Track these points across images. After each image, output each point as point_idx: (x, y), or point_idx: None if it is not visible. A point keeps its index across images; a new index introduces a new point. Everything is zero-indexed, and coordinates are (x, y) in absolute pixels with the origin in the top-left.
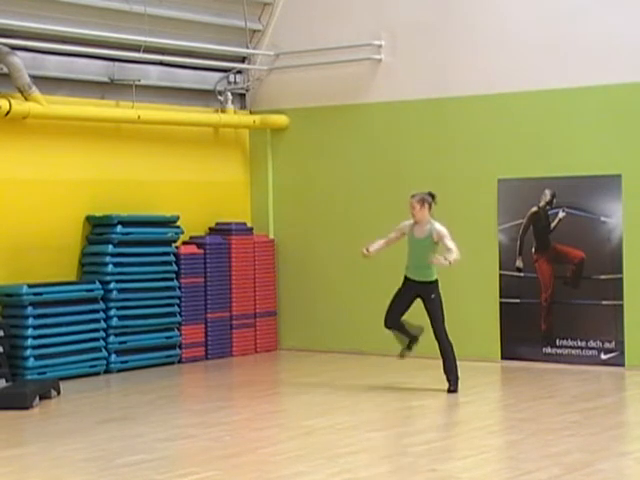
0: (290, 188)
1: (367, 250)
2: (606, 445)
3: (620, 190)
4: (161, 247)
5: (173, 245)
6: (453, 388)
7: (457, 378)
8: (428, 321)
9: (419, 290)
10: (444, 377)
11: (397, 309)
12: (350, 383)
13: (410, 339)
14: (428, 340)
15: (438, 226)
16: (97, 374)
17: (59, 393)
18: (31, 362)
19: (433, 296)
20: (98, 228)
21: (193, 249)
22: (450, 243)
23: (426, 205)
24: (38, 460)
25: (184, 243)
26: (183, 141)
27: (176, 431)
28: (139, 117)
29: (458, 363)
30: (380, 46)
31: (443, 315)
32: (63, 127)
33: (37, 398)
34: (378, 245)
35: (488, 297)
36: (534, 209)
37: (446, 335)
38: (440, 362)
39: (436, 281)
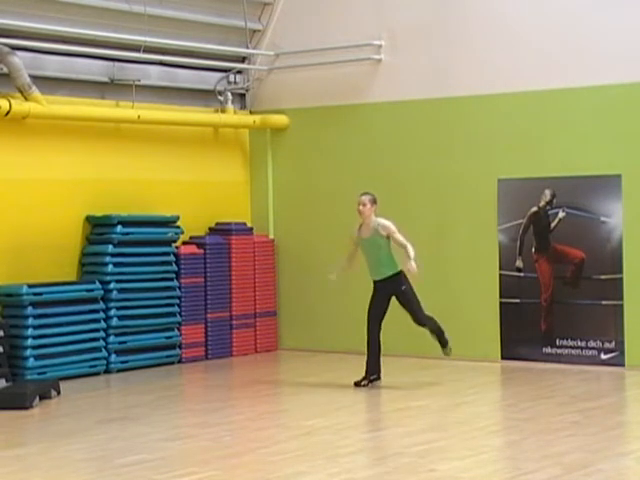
0: (290, 188)
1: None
2: (606, 445)
3: (620, 190)
4: (161, 247)
5: (173, 245)
6: (448, 342)
7: (447, 340)
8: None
9: (388, 287)
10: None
11: (376, 314)
12: (350, 383)
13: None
14: (426, 340)
15: (383, 221)
16: (97, 374)
17: (59, 393)
18: (31, 362)
19: (404, 287)
20: (98, 228)
21: (193, 249)
22: (400, 237)
23: (374, 205)
24: (38, 460)
25: (184, 243)
26: (183, 141)
27: (176, 431)
28: (139, 117)
29: (456, 363)
30: (380, 46)
31: (419, 303)
32: (63, 127)
33: (37, 398)
34: (341, 264)
35: (488, 297)
36: (534, 209)
37: (426, 316)
38: (444, 362)
39: (400, 272)
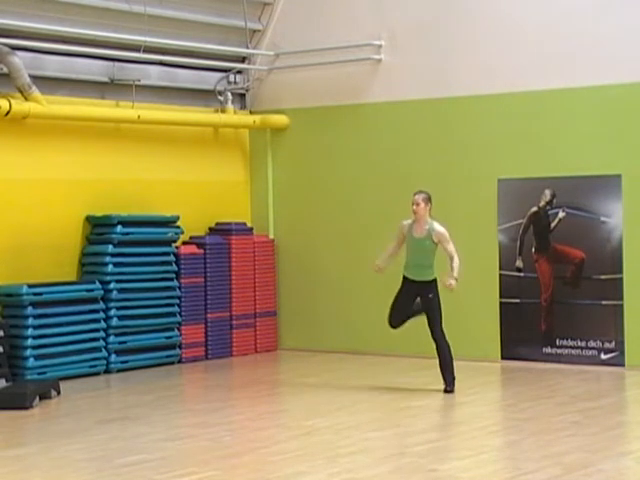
0: (290, 188)
1: (378, 267)
2: (606, 445)
3: (620, 190)
4: (161, 247)
5: (173, 245)
6: (450, 388)
7: (454, 378)
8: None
9: (417, 289)
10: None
11: (399, 310)
12: (350, 383)
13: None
14: (427, 340)
15: (437, 226)
16: (97, 374)
17: (59, 393)
18: (31, 362)
19: (431, 295)
20: (98, 228)
21: (193, 249)
22: (451, 248)
23: (429, 204)
24: (38, 460)
25: (184, 243)
26: (183, 141)
27: (176, 431)
28: (139, 117)
29: (456, 363)
30: (380, 46)
31: (441, 315)
32: (63, 127)
33: (37, 398)
34: (387, 255)
35: (488, 297)
36: (534, 209)
37: (443, 335)
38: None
39: (434, 280)
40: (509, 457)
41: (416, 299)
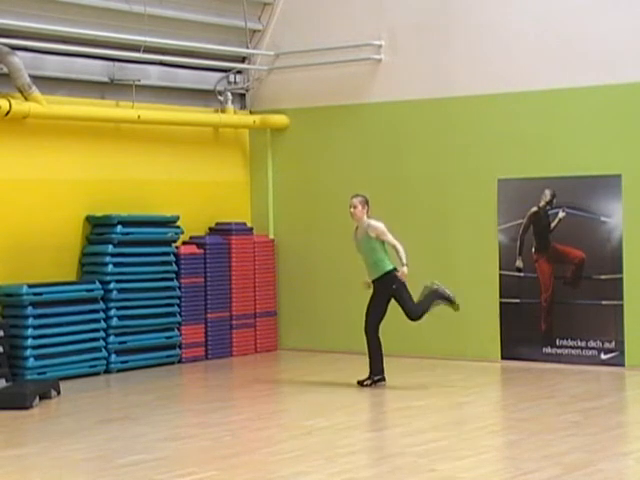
0: (290, 188)
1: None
2: (606, 445)
3: (620, 190)
4: (161, 247)
5: (173, 245)
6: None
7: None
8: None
9: (381, 288)
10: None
11: (371, 314)
12: (350, 383)
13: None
14: (426, 340)
15: (373, 222)
16: (97, 374)
17: (59, 393)
18: (31, 362)
19: (395, 286)
20: (98, 228)
21: (193, 249)
22: (390, 238)
23: (366, 207)
24: (38, 460)
25: (184, 243)
26: (183, 141)
27: (176, 431)
28: (139, 117)
29: (457, 363)
30: (380, 46)
31: (412, 299)
32: (63, 127)
33: (37, 398)
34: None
35: (488, 297)
36: (534, 209)
37: (419, 308)
38: (444, 362)
39: (390, 272)
40: (509, 457)
41: (389, 300)
